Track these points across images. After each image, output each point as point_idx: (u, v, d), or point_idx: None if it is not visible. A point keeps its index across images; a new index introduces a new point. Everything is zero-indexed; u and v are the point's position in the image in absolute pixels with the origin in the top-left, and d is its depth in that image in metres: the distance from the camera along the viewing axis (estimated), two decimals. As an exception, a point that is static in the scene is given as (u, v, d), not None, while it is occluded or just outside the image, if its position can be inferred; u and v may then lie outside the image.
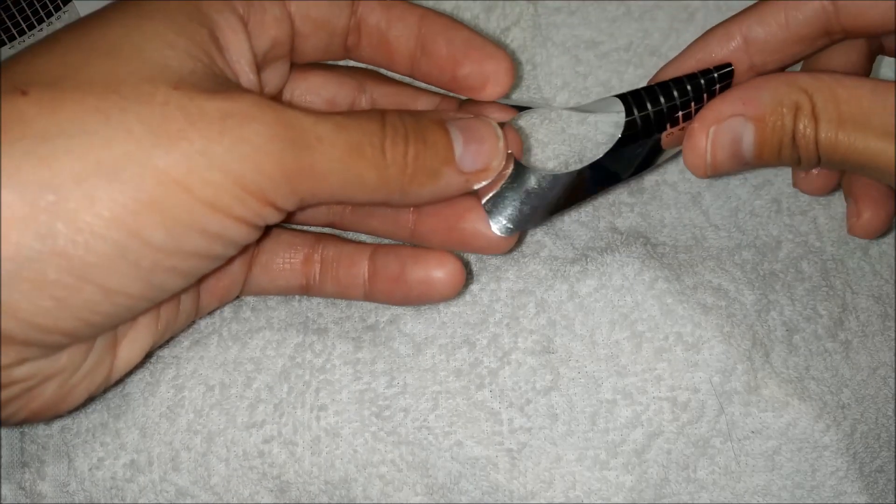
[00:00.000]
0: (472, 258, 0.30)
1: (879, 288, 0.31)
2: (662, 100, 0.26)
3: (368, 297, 0.28)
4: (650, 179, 0.33)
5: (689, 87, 0.26)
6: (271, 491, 0.28)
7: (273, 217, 0.22)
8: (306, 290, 0.29)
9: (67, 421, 0.29)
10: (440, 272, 0.27)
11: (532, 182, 0.26)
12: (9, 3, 0.30)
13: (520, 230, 0.27)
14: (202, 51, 0.22)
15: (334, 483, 0.28)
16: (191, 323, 0.28)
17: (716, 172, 0.26)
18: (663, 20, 0.34)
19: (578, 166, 0.27)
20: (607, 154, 0.27)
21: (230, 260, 0.24)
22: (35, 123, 0.19)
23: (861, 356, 0.30)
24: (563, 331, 0.29)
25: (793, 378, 0.29)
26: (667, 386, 0.29)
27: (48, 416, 0.23)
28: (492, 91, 0.26)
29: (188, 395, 0.28)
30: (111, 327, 0.23)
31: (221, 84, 0.22)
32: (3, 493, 0.28)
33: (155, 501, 0.28)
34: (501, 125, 0.26)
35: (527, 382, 0.29)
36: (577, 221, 0.31)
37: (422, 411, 0.28)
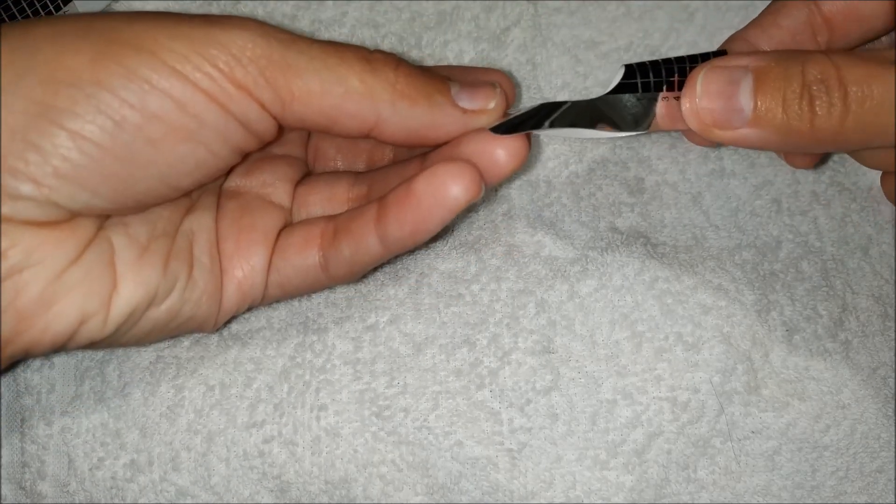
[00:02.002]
0: (471, 258, 0.30)
1: (879, 288, 0.31)
2: (663, 65, 0.26)
3: (383, 238, 0.25)
4: (650, 179, 0.33)
5: (688, 58, 0.26)
6: (271, 491, 0.28)
7: (261, 122, 0.23)
8: (324, 269, 0.27)
9: (67, 421, 0.29)
10: (450, 180, 0.24)
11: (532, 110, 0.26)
12: (9, 3, 0.30)
13: (509, 129, 0.25)
14: None
15: (334, 483, 0.28)
16: (212, 316, 0.27)
17: (710, 124, 0.25)
18: (663, 20, 0.34)
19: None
20: (605, 95, 0.26)
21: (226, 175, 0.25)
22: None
23: (861, 356, 0.30)
24: (563, 331, 0.29)
25: (793, 378, 0.29)
26: (667, 386, 0.29)
27: (36, 324, 0.22)
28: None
29: (188, 395, 0.28)
30: (107, 206, 0.23)
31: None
32: (3, 493, 0.28)
33: (155, 501, 0.28)
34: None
35: (527, 382, 0.29)
36: (578, 221, 0.31)
37: (422, 411, 0.28)
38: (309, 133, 0.30)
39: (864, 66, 0.23)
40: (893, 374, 0.30)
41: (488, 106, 0.25)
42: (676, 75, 0.26)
